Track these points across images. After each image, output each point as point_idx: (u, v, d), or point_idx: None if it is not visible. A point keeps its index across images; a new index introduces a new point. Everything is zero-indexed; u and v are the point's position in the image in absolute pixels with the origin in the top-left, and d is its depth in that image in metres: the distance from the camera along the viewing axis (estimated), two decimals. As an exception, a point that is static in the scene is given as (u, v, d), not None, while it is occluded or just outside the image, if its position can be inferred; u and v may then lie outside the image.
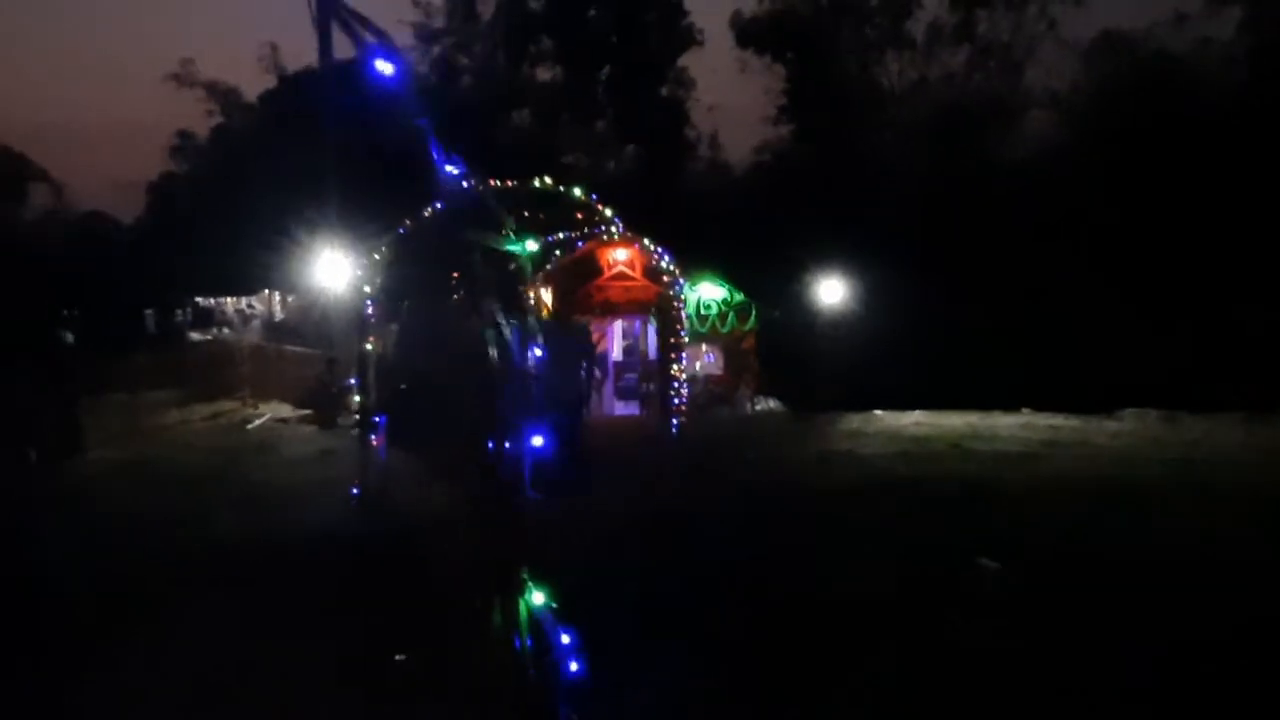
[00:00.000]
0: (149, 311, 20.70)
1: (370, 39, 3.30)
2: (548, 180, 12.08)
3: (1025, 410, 13.89)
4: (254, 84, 32.46)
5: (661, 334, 12.71)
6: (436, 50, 28.50)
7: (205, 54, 58.67)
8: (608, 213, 12.53)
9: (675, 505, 7.72)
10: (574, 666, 3.29)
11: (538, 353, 5.27)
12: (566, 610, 3.46)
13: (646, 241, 13.28)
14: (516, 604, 3.64)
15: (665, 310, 13.46)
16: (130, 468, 10.55)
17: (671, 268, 12.82)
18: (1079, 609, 5.15)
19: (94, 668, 4.48)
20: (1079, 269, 18.34)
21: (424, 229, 11.64)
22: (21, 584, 5.43)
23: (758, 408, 15.05)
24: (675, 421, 11.48)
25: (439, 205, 10.56)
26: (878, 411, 14.00)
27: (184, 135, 32.30)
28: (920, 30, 25.39)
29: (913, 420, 13.18)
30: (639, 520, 7.13)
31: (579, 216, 13.00)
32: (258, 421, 14.30)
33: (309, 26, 3.86)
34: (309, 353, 16.59)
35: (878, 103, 25.12)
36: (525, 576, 3.69)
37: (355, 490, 7.63)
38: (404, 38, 27.63)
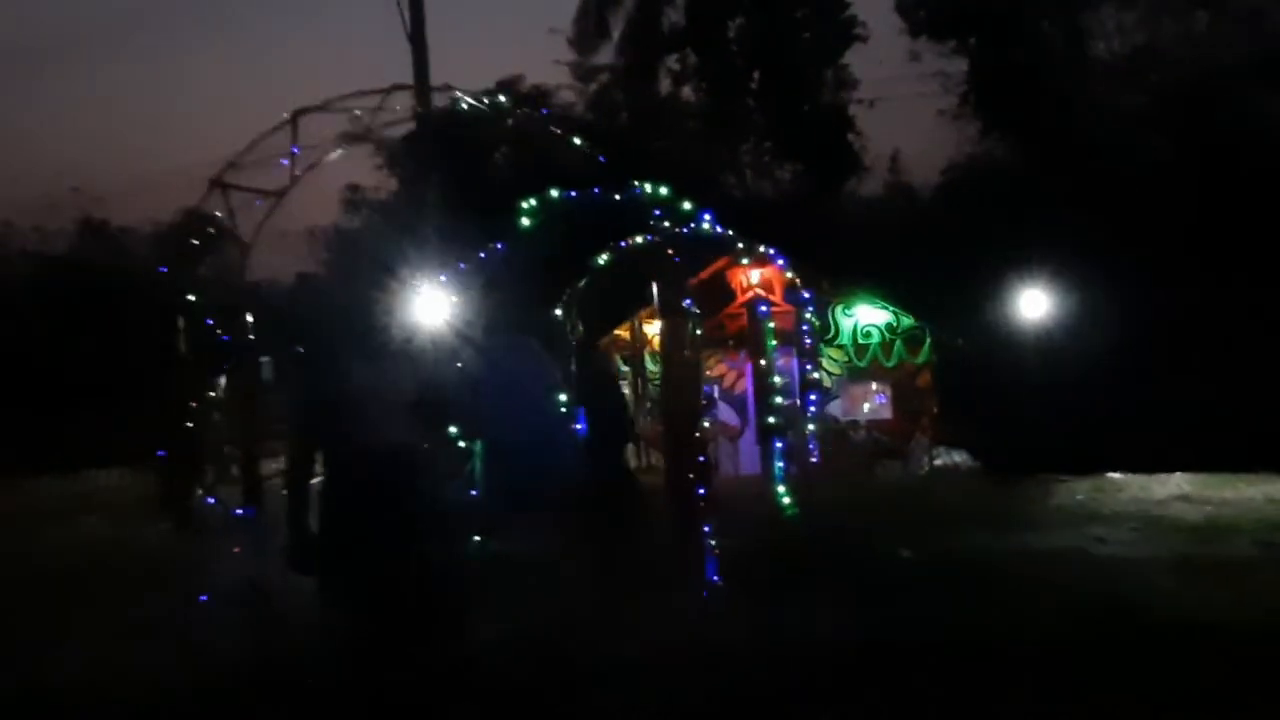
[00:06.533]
0: (264, 359, 19.83)
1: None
2: None
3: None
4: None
5: (759, 373, 8.95)
6: (593, 88, 26.93)
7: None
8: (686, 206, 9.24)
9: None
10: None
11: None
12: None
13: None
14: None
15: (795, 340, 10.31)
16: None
17: (795, 283, 9.60)
18: None
19: None
20: None
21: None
22: None
23: (937, 462, 11.76)
24: (782, 495, 7.37)
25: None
26: (1114, 475, 9.73)
27: (353, 188, 32.95)
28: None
29: (1173, 490, 8.81)
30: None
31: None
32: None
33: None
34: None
35: (1091, 79, 20.42)
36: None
37: (203, 597, 5.68)
38: (561, 75, 26.35)
